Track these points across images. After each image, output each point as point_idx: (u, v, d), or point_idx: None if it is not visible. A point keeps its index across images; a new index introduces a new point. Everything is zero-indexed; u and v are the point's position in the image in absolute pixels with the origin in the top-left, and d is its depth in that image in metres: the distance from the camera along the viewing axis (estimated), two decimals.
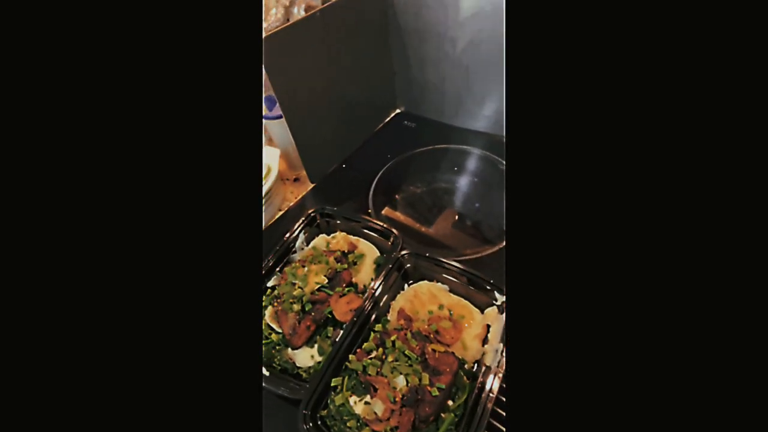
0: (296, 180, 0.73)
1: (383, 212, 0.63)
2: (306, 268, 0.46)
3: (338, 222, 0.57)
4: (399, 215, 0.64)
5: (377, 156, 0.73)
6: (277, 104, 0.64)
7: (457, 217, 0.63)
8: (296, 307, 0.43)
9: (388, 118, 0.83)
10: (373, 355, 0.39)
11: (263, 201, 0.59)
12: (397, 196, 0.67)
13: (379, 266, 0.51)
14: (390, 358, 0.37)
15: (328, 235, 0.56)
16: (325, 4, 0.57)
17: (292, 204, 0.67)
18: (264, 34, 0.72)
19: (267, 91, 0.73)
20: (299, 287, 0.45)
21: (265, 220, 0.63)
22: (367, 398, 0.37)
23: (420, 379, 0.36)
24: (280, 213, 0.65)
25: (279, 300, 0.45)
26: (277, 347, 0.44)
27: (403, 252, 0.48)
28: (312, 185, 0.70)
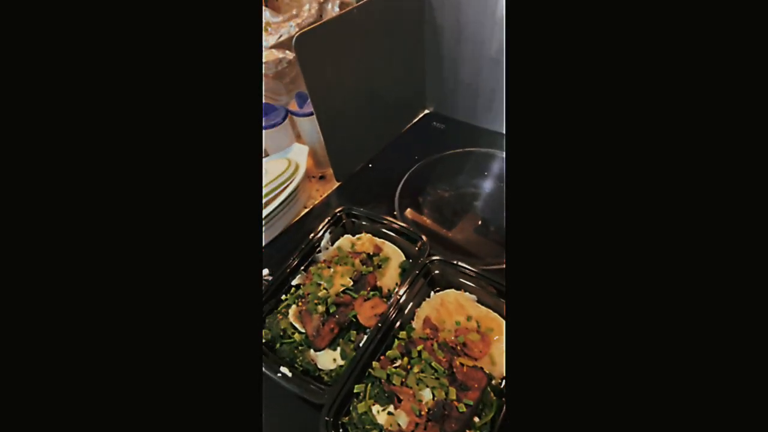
0: (322, 178, 0.72)
1: (409, 215, 0.62)
2: (332, 269, 0.46)
3: (364, 223, 0.56)
4: (425, 219, 0.62)
5: (404, 157, 0.71)
6: (308, 101, 0.64)
7: (484, 223, 0.61)
8: (321, 308, 0.43)
9: (417, 119, 0.81)
10: (397, 363, 0.38)
11: (290, 199, 0.59)
12: (423, 199, 0.65)
13: (404, 271, 0.49)
14: (416, 369, 0.36)
15: (353, 235, 0.56)
16: (361, 2, 0.56)
17: (317, 202, 0.66)
18: (298, 30, 0.72)
19: (299, 87, 0.73)
20: (324, 288, 0.44)
21: (290, 218, 0.63)
22: (391, 408, 0.36)
23: (447, 394, 0.34)
24: (305, 210, 0.65)
25: (303, 300, 0.45)
26: (300, 347, 0.43)
27: (431, 258, 0.47)
28: (337, 184, 0.69)
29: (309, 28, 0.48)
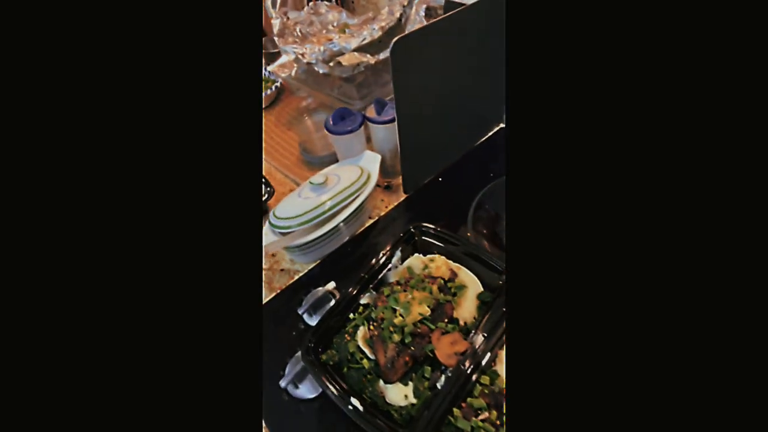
0: (388, 188, 0.69)
1: (483, 238, 0.57)
2: (410, 295, 0.42)
3: (437, 242, 0.52)
4: (499, 244, 0.57)
5: (477, 173, 0.67)
6: (386, 108, 0.61)
7: None
8: (396, 337, 0.39)
9: (491, 133, 0.76)
10: (483, 416, 0.34)
11: (359, 209, 0.56)
12: (499, 222, 0.60)
13: (483, 303, 0.45)
14: None
15: (423, 254, 0.52)
16: (459, 9, 0.52)
17: (382, 213, 0.63)
18: (381, 34, 0.70)
19: (372, 92, 0.70)
20: (400, 315, 0.40)
21: (355, 229, 0.60)
22: None
23: None
24: (371, 221, 0.62)
25: (375, 324, 0.41)
26: (369, 376, 0.40)
27: None
28: (404, 195, 0.66)
29: (406, 33, 0.45)
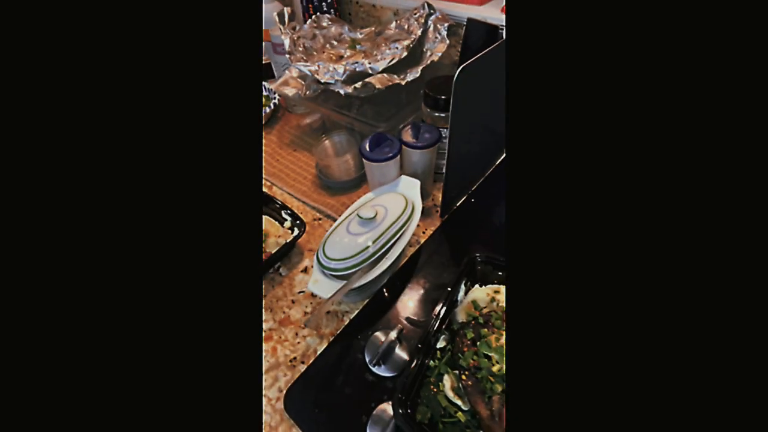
0: None
1: None
2: (501, 338, 0.40)
3: (495, 270, 0.50)
4: None
5: (504, 190, 0.66)
6: (421, 131, 0.59)
7: None
8: (498, 387, 0.37)
9: None
10: None
11: (404, 240, 0.53)
12: None
13: None
14: None
15: (482, 285, 0.50)
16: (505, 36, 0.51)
17: (422, 240, 0.61)
18: (406, 54, 0.67)
19: (397, 116, 0.67)
20: (496, 361, 0.38)
21: (396, 254, 0.57)
22: None
23: None
24: (412, 250, 0.59)
25: (468, 372, 0.39)
26: (468, 431, 0.37)
27: None
28: (438, 217, 0.64)
29: (473, 60, 0.42)
